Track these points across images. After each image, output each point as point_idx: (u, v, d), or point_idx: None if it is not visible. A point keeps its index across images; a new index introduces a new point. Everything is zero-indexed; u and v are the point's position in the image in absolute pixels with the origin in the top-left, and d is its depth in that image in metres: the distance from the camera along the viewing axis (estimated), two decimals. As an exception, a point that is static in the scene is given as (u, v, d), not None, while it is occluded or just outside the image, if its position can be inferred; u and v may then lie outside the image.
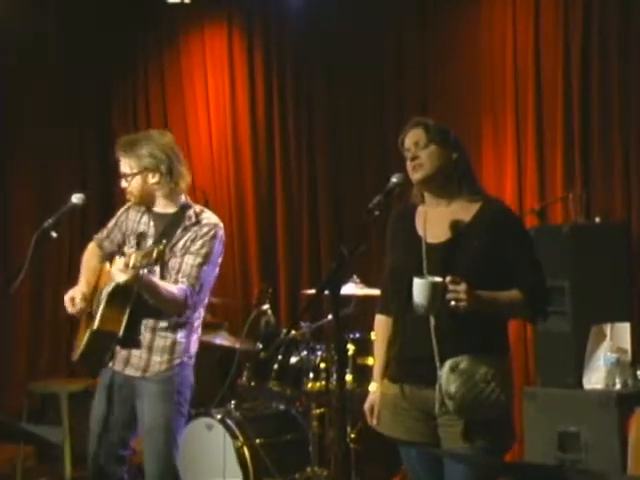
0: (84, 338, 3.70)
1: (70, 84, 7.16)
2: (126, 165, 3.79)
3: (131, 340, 3.69)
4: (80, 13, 6.97)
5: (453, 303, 2.77)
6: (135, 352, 3.70)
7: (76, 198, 3.63)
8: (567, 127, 5.40)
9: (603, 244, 4.77)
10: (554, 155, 5.46)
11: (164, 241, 3.50)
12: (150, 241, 3.75)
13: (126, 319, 3.63)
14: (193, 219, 3.74)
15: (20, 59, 6.81)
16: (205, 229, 3.73)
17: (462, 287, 2.76)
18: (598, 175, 5.33)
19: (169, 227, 3.75)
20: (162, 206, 3.81)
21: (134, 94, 7.38)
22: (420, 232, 3.01)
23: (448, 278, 2.78)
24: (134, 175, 3.76)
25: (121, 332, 3.63)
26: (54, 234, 3.53)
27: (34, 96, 6.99)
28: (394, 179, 3.02)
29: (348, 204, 6.36)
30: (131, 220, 3.85)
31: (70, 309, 3.76)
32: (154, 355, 3.70)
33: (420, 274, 2.85)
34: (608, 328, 4.54)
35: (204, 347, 5.56)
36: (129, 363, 3.71)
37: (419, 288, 2.79)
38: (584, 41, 5.35)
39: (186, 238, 3.70)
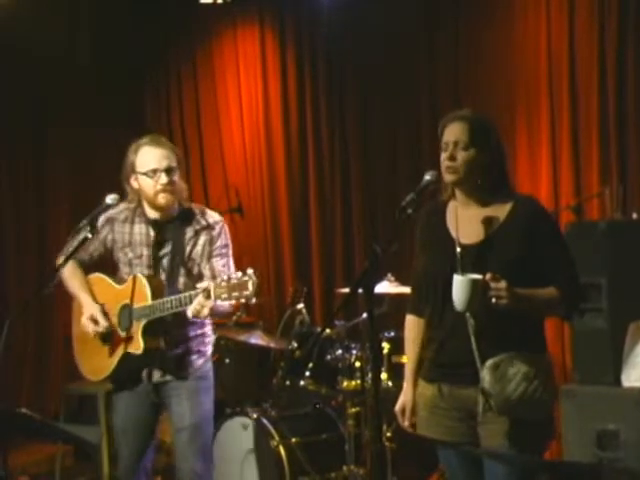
0: (114, 359, 3.68)
1: (104, 84, 7.20)
2: (169, 159, 3.68)
3: (166, 354, 3.72)
4: (113, 13, 7.01)
5: (494, 300, 2.75)
6: (174, 357, 3.72)
7: (110, 199, 3.62)
8: (603, 122, 5.34)
9: (640, 240, 4.71)
10: (590, 150, 5.41)
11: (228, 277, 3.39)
12: (155, 249, 3.70)
13: (164, 339, 3.67)
14: (203, 222, 3.74)
15: (53, 59, 6.87)
16: (217, 229, 3.75)
17: (503, 284, 2.75)
18: (634, 170, 5.27)
19: (177, 234, 3.70)
20: (157, 213, 3.73)
21: (167, 94, 7.42)
22: (452, 232, 2.99)
23: (488, 276, 2.76)
24: (176, 169, 3.70)
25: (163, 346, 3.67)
26: (89, 235, 3.53)
27: (68, 96, 7.04)
28: (427, 176, 3.00)
29: (381, 202, 6.35)
30: (119, 232, 3.76)
31: (94, 328, 3.69)
32: (191, 355, 3.76)
33: (457, 274, 2.84)
34: (646, 325, 4.49)
35: (239, 346, 5.59)
36: (168, 369, 3.72)
37: (459, 285, 2.78)
38: (619, 34, 5.30)
39: (202, 243, 3.71)
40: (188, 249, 3.70)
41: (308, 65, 6.76)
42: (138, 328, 3.60)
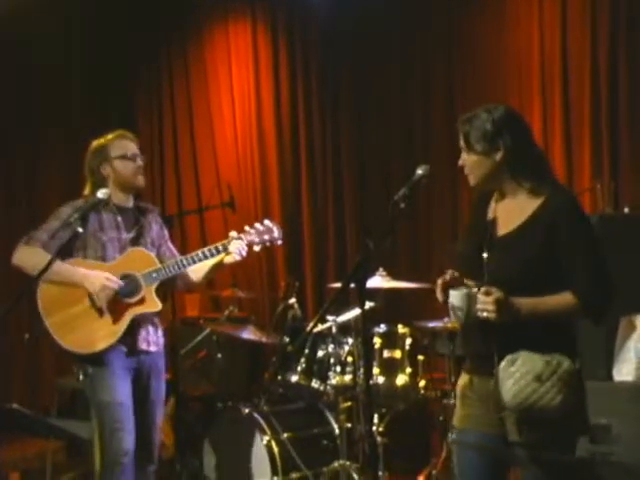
0: (122, 324, 3.82)
1: (96, 81, 7.19)
2: (135, 145, 4.03)
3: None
4: (106, 9, 7.00)
5: (485, 314, 2.74)
6: (151, 329, 3.97)
7: (101, 193, 3.75)
8: (595, 117, 5.35)
9: (632, 234, 4.71)
10: (582, 145, 5.41)
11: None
12: (125, 233, 3.93)
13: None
14: (152, 212, 4.10)
15: (45, 58, 6.86)
16: (159, 216, 4.15)
17: (490, 299, 2.72)
18: (626, 165, 5.28)
19: (139, 220, 4.01)
20: (122, 199, 3.99)
21: (159, 90, 7.41)
22: (489, 223, 2.97)
23: (482, 289, 2.74)
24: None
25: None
26: (80, 229, 3.59)
27: (60, 95, 7.03)
28: (419, 171, 2.99)
29: (374, 197, 6.34)
30: (88, 222, 3.85)
31: (108, 291, 3.79)
32: (159, 329, 4.03)
33: (482, 266, 2.84)
34: (638, 319, 4.49)
35: (231, 341, 5.59)
36: (149, 340, 3.95)
37: (455, 299, 2.79)
38: (611, 30, 5.30)
39: (157, 228, 4.07)
40: (151, 233, 4.03)
41: (300, 60, 6.74)
42: (152, 289, 3.86)
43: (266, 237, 3.91)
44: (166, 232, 4.15)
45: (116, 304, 3.83)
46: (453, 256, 3.04)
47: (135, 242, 3.95)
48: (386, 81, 6.34)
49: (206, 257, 3.89)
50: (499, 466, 2.95)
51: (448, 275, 2.87)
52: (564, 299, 2.83)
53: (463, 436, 2.98)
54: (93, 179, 3.97)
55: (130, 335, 3.87)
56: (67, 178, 7.13)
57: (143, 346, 3.92)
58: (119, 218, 3.94)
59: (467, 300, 2.77)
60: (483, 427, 2.91)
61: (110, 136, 4.05)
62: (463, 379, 3.01)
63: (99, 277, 3.79)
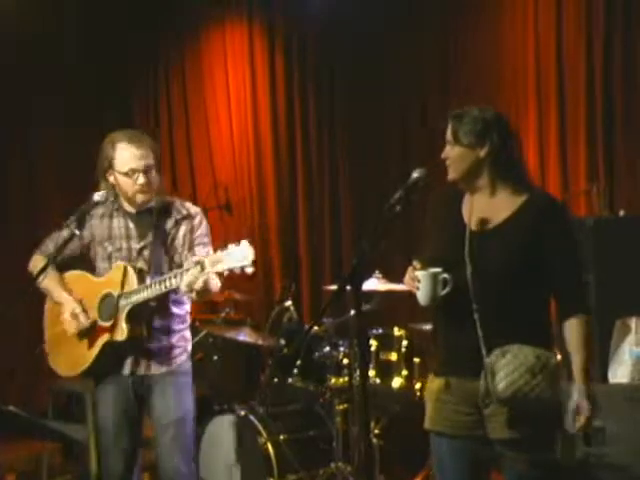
0: (94, 349, 3.63)
1: (92, 83, 7.19)
2: (147, 158, 3.62)
3: (149, 344, 3.69)
4: (101, 12, 7.00)
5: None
6: (158, 349, 3.69)
7: (98, 196, 3.64)
8: (590, 119, 5.37)
9: (627, 237, 4.73)
10: (577, 147, 5.42)
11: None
12: (135, 242, 3.69)
13: (146, 327, 3.63)
14: (183, 212, 3.73)
15: (44, 58, 6.86)
16: (198, 218, 3.74)
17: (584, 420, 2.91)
18: (622, 167, 5.30)
19: (156, 225, 3.68)
20: (134, 206, 3.71)
21: (155, 91, 7.42)
22: (466, 219, 2.98)
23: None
24: (153, 167, 3.65)
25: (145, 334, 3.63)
26: (76, 231, 3.56)
27: (58, 95, 7.04)
28: (415, 174, 2.99)
29: (370, 199, 6.35)
30: (97, 227, 3.71)
31: (74, 327, 3.66)
32: (175, 349, 3.73)
33: (462, 262, 2.86)
34: (633, 321, 4.50)
35: (227, 343, 5.59)
36: (152, 362, 3.69)
37: (420, 279, 2.85)
38: (607, 31, 5.32)
39: (183, 232, 3.71)
40: (169, 239, 3.70)
41: (297, 63, 6.76)
42: (122, 315, 3.55)
43: (235, 265, 3.32)
44: (198, 235, 3.72)
45: (93, 328, 3.65)
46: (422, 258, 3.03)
47: (141, 253, 3.68)
48: (382, 81, 6.35)
49: (172, 284, 3.46)
50: (480, 467, 2.97)
51: (416, 263, 2.92)
52: (573, 331, 2.92)
53: (442, 439, 2.98)
54: (105, 182, 3.70)
55: (123, 356, 3.66)
56: (65, 178, 7.14)
57: (139, 371, 3.68)
58: (131, 225, 3.70)
59: (433, 280, 2.83)
60: (462, 430, 2.93)
61: (118, 139, 3.68)
62: (436, 383, 3.00)
63: (71, 307, 3.68)
